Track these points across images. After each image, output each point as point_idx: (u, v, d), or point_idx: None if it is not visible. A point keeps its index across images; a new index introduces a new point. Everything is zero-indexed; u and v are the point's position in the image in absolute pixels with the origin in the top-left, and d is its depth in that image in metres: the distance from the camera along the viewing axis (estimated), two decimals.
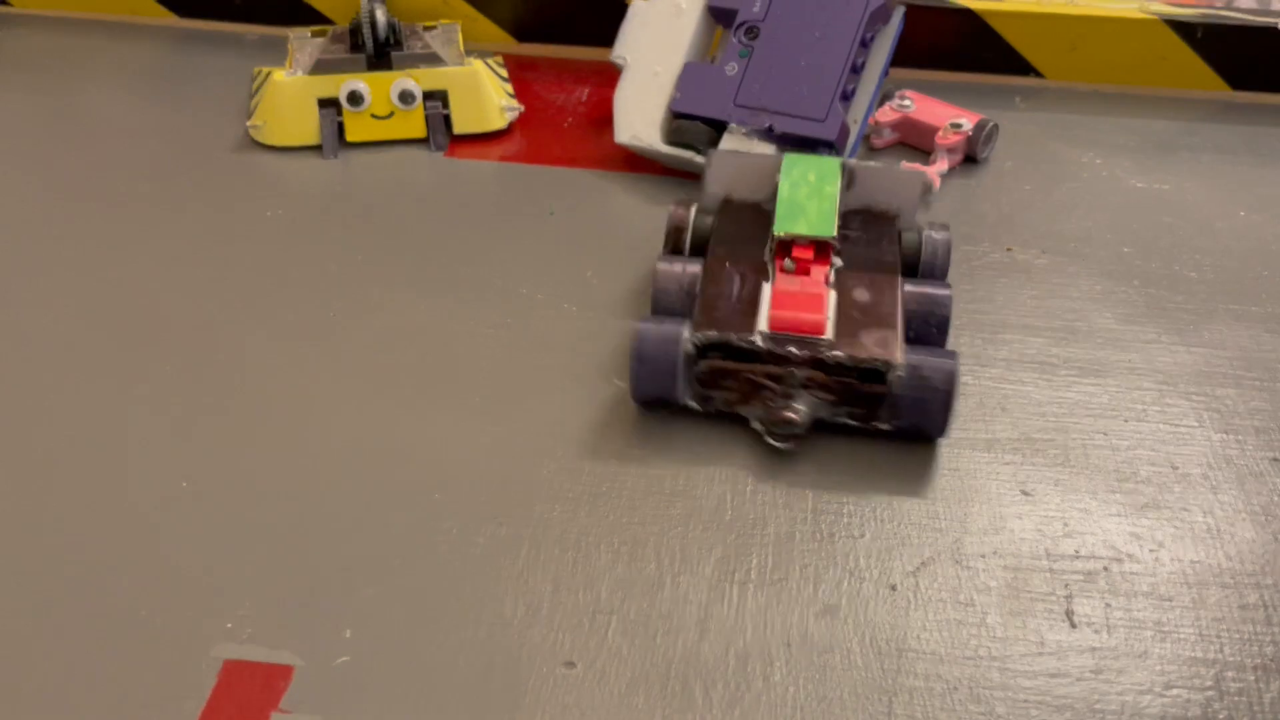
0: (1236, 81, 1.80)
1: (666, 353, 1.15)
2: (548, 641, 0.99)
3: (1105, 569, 1.06)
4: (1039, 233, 1.50)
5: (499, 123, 1.68)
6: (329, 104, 1.64)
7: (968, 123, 1.63)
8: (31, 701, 0.94)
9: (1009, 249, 1.47)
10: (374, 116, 1.65)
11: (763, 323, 1.16)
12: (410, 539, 1.08)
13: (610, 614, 1.01)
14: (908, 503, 1.12)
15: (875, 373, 1.13)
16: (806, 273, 1.22)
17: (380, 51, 1.66)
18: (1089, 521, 1.11)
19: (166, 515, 1.10)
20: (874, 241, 1.28)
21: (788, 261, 1.22)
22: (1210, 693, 0.96)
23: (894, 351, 1.13)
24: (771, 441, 1.16)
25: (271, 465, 1.15)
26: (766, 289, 1.20)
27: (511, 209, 1.54)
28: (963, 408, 1.23)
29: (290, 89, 1.64)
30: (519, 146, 1.68)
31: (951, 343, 1.31)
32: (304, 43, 1.75)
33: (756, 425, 1.17)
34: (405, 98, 1.64)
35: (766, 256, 1.24)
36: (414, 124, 1.66)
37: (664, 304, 1.23)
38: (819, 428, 1.17)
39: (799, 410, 1.14)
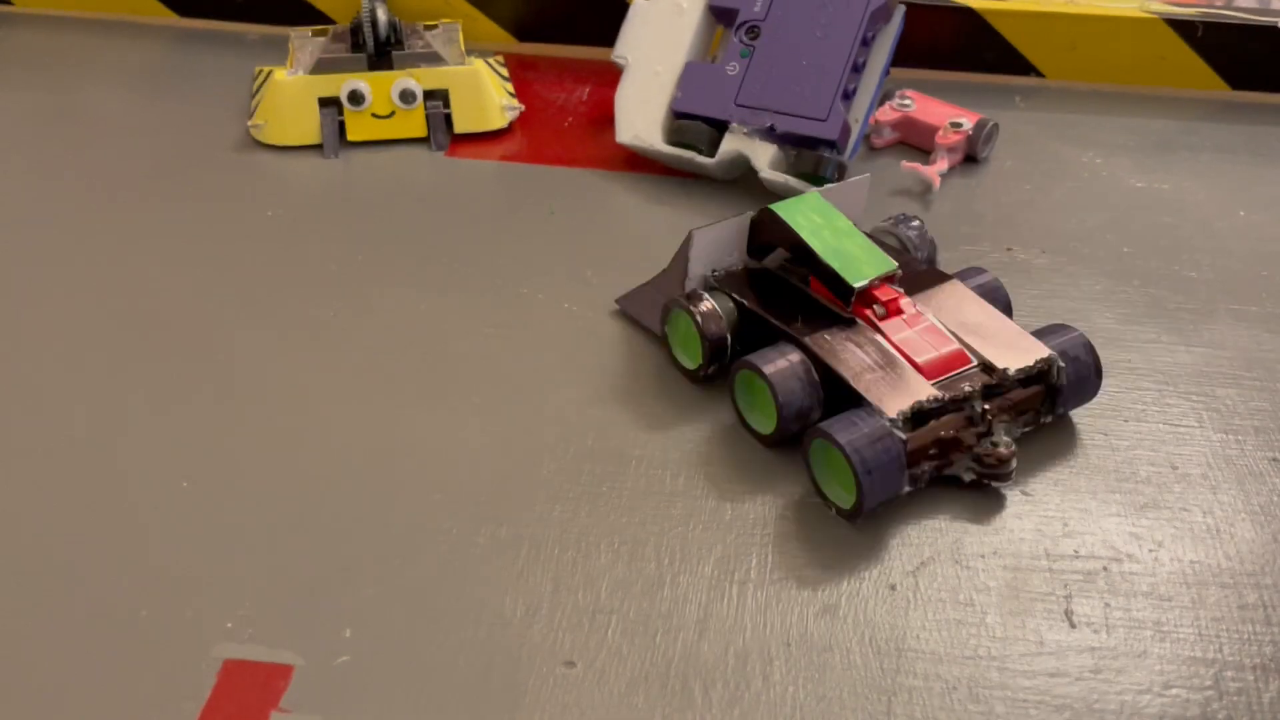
0: (1236, 81, 1.80)
1: (887, 450, 1.07)
2: (548, 641, 0.99)
3: (1105, 569, 1.07)
4: (1039, 232, 1.50)
5: (500, 122, 1.68)
6: (330, 103, 1.64)
7: (968, 122, 1.63)
8: (32, 702, 0.94)
9: (1009, 249, 1.47)
10: (375, 116, 1.65)
11: (921, 377, 1.12)
12: (410, 539, 1.08)
13: (610, 613, 1.01)
14: (907, 503, 1.12)
15: (1041, 374, 1.15)
16: (899, 311, 1.18)
17: (381, 51, 1.66)
18: (1088, 521, 1.11)
19: (166, 515, 1.10)
20: (907, 263, 1.27)
21: (877, 308, 1.18)
22: (1209, 692, 0.96)
23: (1043, 349, 1.15)
24: (996, 485, 1.13)
25: (271, 465, 1.15)
26: (884, 343, 1.16)
27: (512, 209, 1.54)
28: None
29: (291, 88, 1.64)
30: (519, 146, 1.68)
31: None
32: (305, 42, 1.75)
33: (969, 477, 1.12)
34: (406, 97, 1.64)
35: (846, 315, 1.18)
36: (415, 123, 1.66)
37: (794, 405, 1.13)
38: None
39: (1007, 442, 1.12)
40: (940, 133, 1.63)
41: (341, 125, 1.65)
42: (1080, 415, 1.22)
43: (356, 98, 1.63)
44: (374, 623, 1.00)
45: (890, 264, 1.19)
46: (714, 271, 1.27)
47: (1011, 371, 1.13)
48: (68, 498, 1.11)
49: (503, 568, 1.05)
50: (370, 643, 0.98)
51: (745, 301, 1.22)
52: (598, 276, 1.40)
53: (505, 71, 1.80)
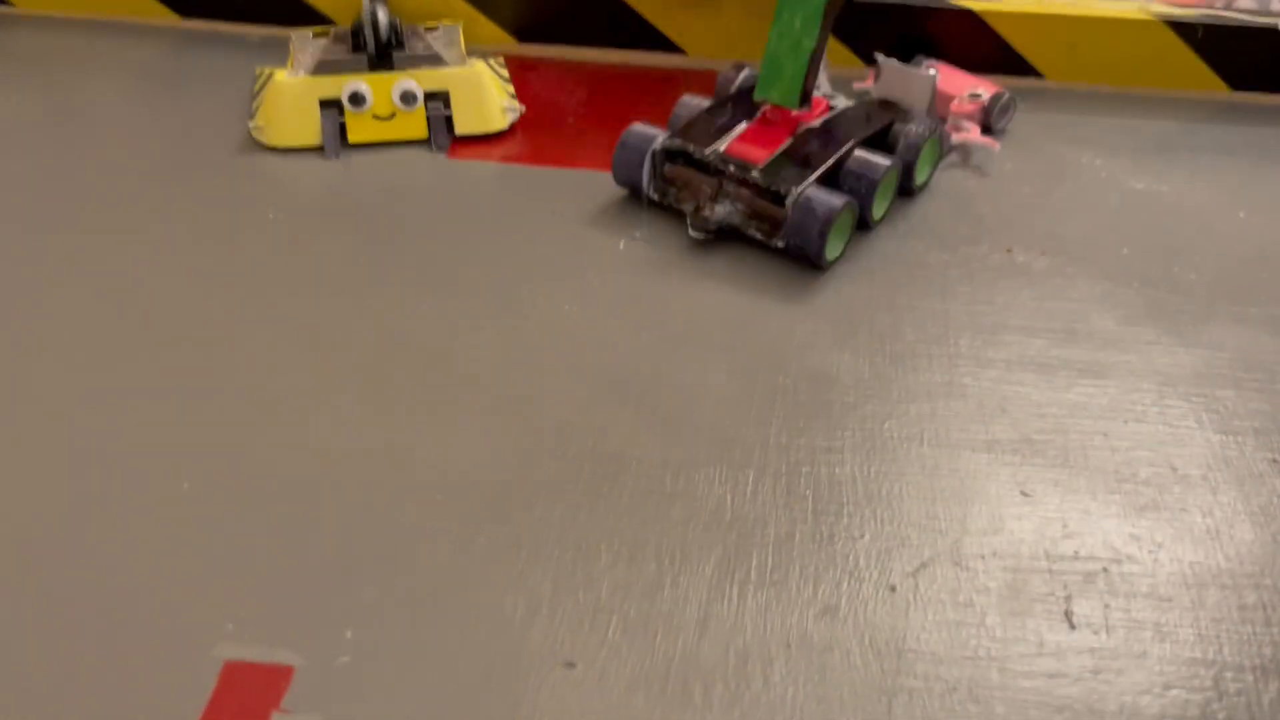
0: (1236, 82, 1.80)
1: (640, 148, 1.49)
2: (548, 641, 0.99)
3: (1104, 570, 1.07)
4: (1039, 234, 1.50)
5: (500, 124, 1.68)
6: (331, 105, 1.64)
7: (985, 93, 1.65)
8: (33, 702, 0.94)
9: (1009, 250, 1.47)
10: (376, 117, 1.65)
11: (722, 146, 1.46)
12: (411, 539, 1.08)
13: (610, 614, 1.02)
14: (907, 504, 1.13)
15: (778, 196, 1.41)
16: (777, 122, 1.50)
17: (382, 52, 1.66)
18: (1088, 522, 1.11)
19: (167, 516, 1.10)
20: (860, 118, 1.53)
21: (767, 113, 1.51)
22: (1209, 693, 0.97)
23: (794, 186, 1.40)
24: (691, 232, 1.46)
25: (272, 465, 1.15)
26: (743, 126, 1.50)
27: (513, 210, 1.54)
28: (962, 409, 1.23)
29: (292, 90, 1.64)
30: (520, 147, 1.68)
31: (950, 344, 1.31)
32: (306, 43, 1.75)
33: (688, 215, 1.47)
34: (407, 98, 1.64)
35: (758, 101, 1.51)
36: (415, 125, 1.66)
37: (674, 126, 1.55)
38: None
39: (719, 208, 1.44)
40: (956, 101, 1.64)
41: (342, 127, 1.65)
42: (1080, 417, 1.22)
43: (357, 99, 1.63)
44: (375, 623, 1.00)
45: (791, 104, 1.47)
46: None
47: (755, 173, 1.43)
48: (68, 499, 1.11)
49: (503, 568, 1.05)
50: (371, 643, 0.98)
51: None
52: (598, 277, 1.40)
53: (506, 73, 1.80)
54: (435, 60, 1.67)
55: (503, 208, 1.55)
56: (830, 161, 1.44)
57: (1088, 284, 1.42)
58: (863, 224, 1.48)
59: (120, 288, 1.38)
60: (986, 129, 1.66)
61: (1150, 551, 1.09)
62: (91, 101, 1.77)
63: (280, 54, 1.78)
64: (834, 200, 1.39)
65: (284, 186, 1.59)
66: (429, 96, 1.66)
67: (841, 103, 1.58)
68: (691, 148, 1.47)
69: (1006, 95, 1.66)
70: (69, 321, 1.33)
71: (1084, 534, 1.10)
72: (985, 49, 1.81)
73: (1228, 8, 1.79)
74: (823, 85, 1.59)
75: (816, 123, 1.51)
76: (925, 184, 1.59)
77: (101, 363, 1.28)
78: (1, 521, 1.09)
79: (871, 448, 1.19)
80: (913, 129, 1.53)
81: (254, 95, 1.74)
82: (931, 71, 1.57)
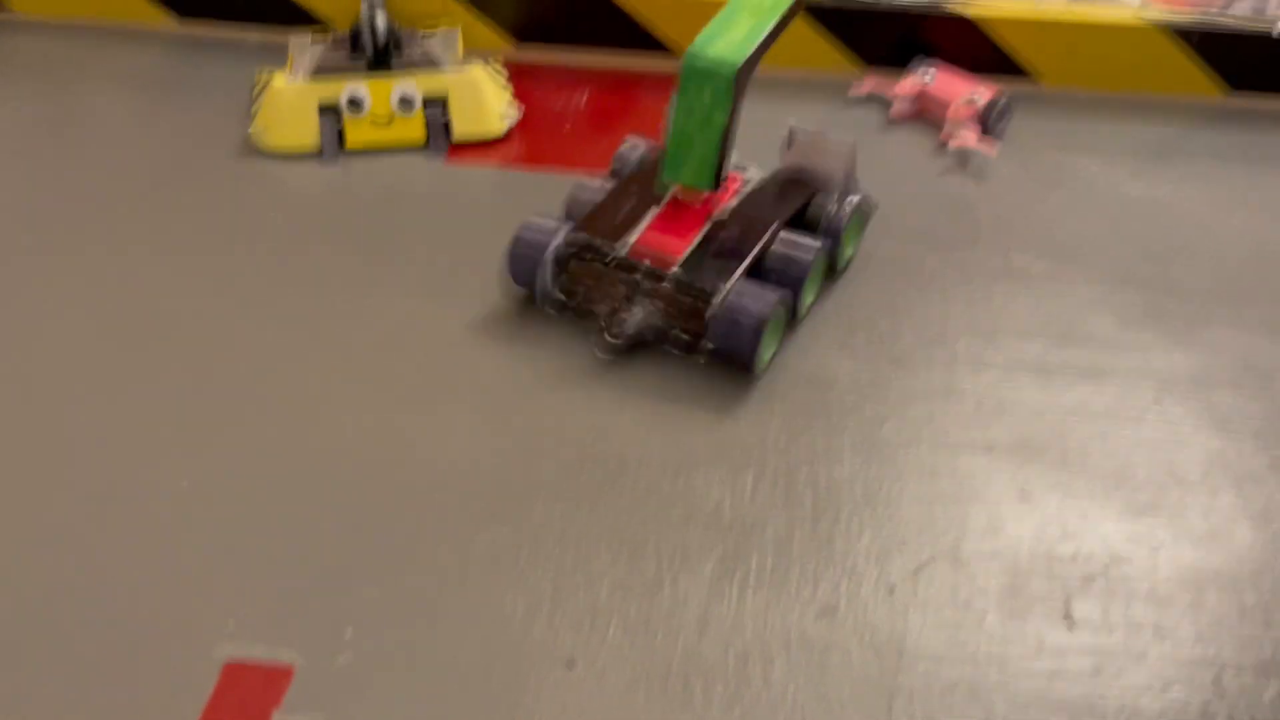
0: (1233, 86, 1.81)
1: (540, 244, 1.31)
2: (548, 641, 0.99)
3: (1104, 571, 1.07)
4: (1036, 238, 1.51)
5: (498, 128, 1.69)
6: (329, 109, 1.64)
7: (982, 97, 1.65)
8: (33, 702, 0.94)
9: (1006, 254, 1.47)
10: (374, 122, 1.65)
11: (632, 238, 1.30)
12: (411, 539, 1.08)
13: (610, 614, 1.02)
14: (907, 505, 1.13)
15: (697, 296, 1.25)
16: (689, 208, 1.33)
17: (380, 56, 1.66)
18: (1087, 524, 1.11)
19: (167, 517, 1.10)
20: (783, 194, 1.39)
21: (678, 195, 1.33)
22: (1209, 693, 0.97)
23: (719, 284, 1.25)
24: (605, 340, 1.27)
25: (272, 465, 1.15)
26: (653, 213, 1.33)
27: (511, 214, 1.54)
28: (961, 411, 1.23)
29: (290, 94, 1.64)
30: (519, 151, 1.68)
31: (948, 347, 1.32)
32: (304, 47, 1.75)
33: (601, 322, 1.29)
34: (405, 103, 1.64)
35: (662, 187, 1.34)
36: (414, 129, 1.66)
37: (573, 213, 1.37)
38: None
39: (633, 313, 1.27)
40: (953, 106, 1.65)
41: (340, 131, 1.65)
42: (1078, 419, 1.23)
43: (356, 103, 1.63)
44: (375, 623, 1.00)
45: (706, 183, 1.29)
46: None
47: (671, 272, 1.26)
48: (68, 498, 1.11)
49: (503, 568, 1.05)
50: (371, 643, 0.98)
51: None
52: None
53: (504, 77, 1.80)
54: (433, 64, 1.68)
55: (501, 212, 1.55)
56: (756, 250, 1.29)
57: (1085, 287, 1.42)
58: (792, 315, 1.33)
59: (119, 291, 1.38)
60: (984, 133, 1.67)
61: (1149, 552, 1.09)
62: (90, 106, 1.77)
63: (279, 58, 1.78)
64: (766, 296, 1.25)
65: (282, 190, 1.59)
66: (427, 101, 1.66)
67: (754, 174, 1.43)
68: (599, 242, 1.30)
69: (1004, 99, 1.67)
70: (68, 324, 1.33)
71: (1083, 535, 1.10)
72: (983, 53, 1.81)
73: (1224, 12, 1.80)
74: (731, 154, 1.39)
75: (733, 202, 1.36)
76: (853, 257, 1.44)
77: (101, 364, 1.27)
78: (2, 521, 1.09)
79: (871, 449, 1.19)
80: (835, 206, 1.38)
81: (252, 99, 1.74)
82: (849, 140, 1.43)
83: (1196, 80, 1.80)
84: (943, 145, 1.68)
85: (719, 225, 1.32)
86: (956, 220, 1.54)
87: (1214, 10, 1.79)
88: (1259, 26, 1.76)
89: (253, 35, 1.92)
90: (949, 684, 0.97)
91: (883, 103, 1.78)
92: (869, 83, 1.79)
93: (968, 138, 1.64)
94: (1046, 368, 1.30)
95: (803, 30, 1.82)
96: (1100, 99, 1.81)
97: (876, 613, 1.03)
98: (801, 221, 1.38)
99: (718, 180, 1.29)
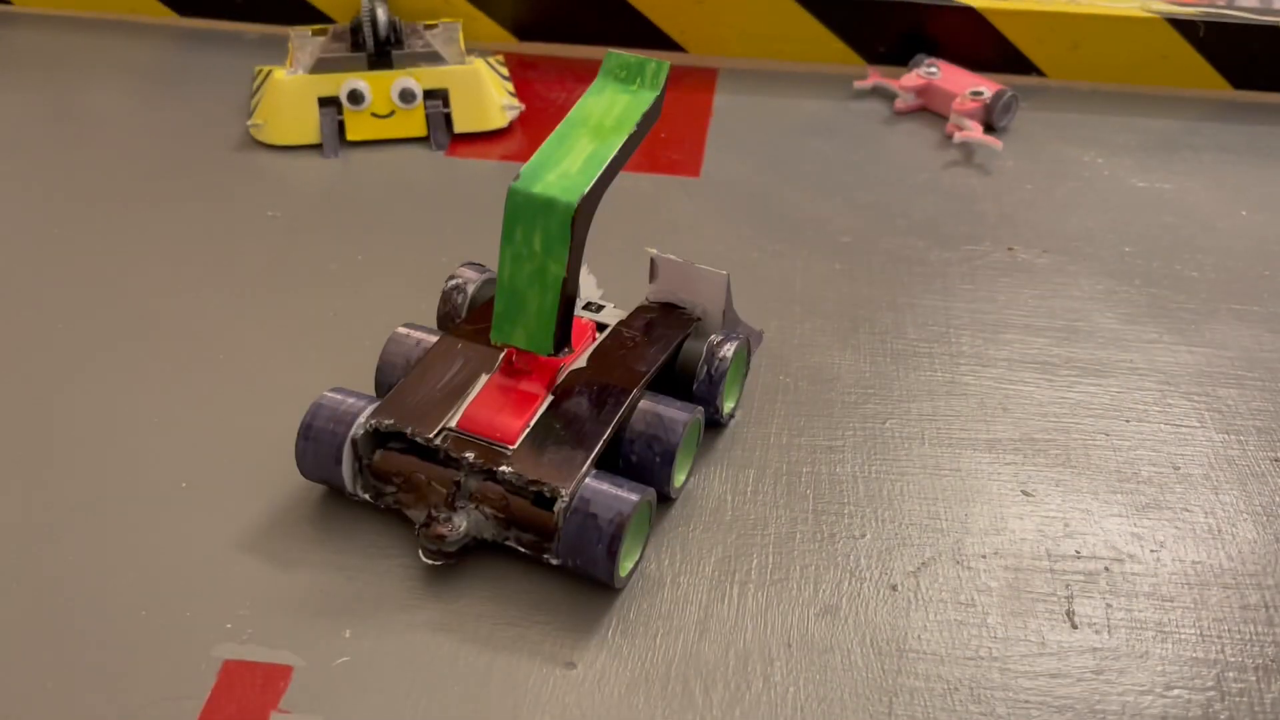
0: (1238, 80, 1.80)
1: (334, 434, 1.04)
2: (548, 641, 0.99)
3: (1106, 569, 1.06)
4: (1040, 232, 1.50)
5: (500, 121, 1.68)
6: (330, 102, 1.64)
7: (987, 91, 1.65)
8: (33, 702, 0.94)
9: (1010, 249, 1.47)
10: (374, 115, 1.65)
11: (453, 420, 1.03)
12: (411, 539, 1.07)
13: (611, 614, 1.01)
14: (909, 503, 1.12)
15: (540, 498, 0.99)
16: (528, 373, 1.07)
17: (381, 50, 1.66)
18: (1090, 522, 1.11)
19: (166, 516, 1.09)
20: (641, 341, 1.14)
21: (513, 359, 1.08)
22: (1211, 693, 0.96)
23: (566, 481, 0.98)
24: (423, 557, 1.03)
25: (272, 465, 1.15)
26: (481, 381, 1.07)
27: None
28: (964, 408, 1.23)
29: (291, 88, 1.64)
30: (520, 145, 1.67)
31: (951, 343, 1.31)
32: (305, 41, 1.75)
33: (417, 532, 1.03)
34: (406, 96, 1.64)
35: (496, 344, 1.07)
36: (415, 123, 1.66)
37: (386, 377, 1.12)
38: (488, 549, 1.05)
39: (456, 525, 1.00)
40: (958, 100, 1.64)
41: (341, 125, 1.64)
42: (1082, 415, 1.22)
43: (356, 97, 1.63)
44: (374, 623, 1.00)
45: (543, 347, 1.04)
46: None
47: (507, 470, 0.99)
48: (68, 499, 1.11)
49: (504, 567, 1.05)
50: (370, 643, 0.98)
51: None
52: (596, 275, 1.40)
53: (505, 71, 1.79)
54: (434, 58, 1.67)
55: (502, 206, 1.55)
56: (609, 432, 1.03)
57: (1089, 282, 1.41)
58: (661, 498, 1.10)
59: (117, 284, 1.38)
60: (989, 127, 1.66)
61: (1152, 551, 1.08)
62: (91, 99, 1.77)
63: (279, 52, 1.78)
64: (623, 498, 0.98)
65: (282, 184, 1.58)
66: (428, 94, 1.65)
67: (610, 314, 1.20)
68: (410, 428, 1.02)
69: (1009, 93, 1.66)
70: (66, 318, 1.33)
71: (1086, 533, 1.10)
72: (987, 47, 1.81)
73: (1230, 6, 1.79)
74: (582, 286, 1.15)
75: (582, 361, 1.10)
76: (737, 405, 1.22)
77: (98, 360, 1.27)
78: (1, 520, 1.09)
79: (873, 447, 1.18)
80: (712, 353, 1.14)
81: (253, 93, 1.73)
82: (722, 271, 1.18)
83: (1202, 74, 1.79)
84: (947, 138, 1.67)
85: (564, 393, 1.07)
86: (960, 214, 1.53)
87: (1220, 3, 1.78)
88: (1265, 20, 1.76)
89: (253, 29, 1.92)
90: (951, 684, 0.96)
91: (887, 96, 1.77)
92: (874, 76, 1.79)
93: (973, 131, 1.64)
94: (1050, 364, 1.29)
95: (808, 25, 1.82)
96: (1105, 93, 1.81)
97: (878, 612, 1.02)
98: (671, 374, 1.15)
99: (558, 344, 1.04)
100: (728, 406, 1.19)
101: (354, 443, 1.04)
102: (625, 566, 1.02)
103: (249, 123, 1.66)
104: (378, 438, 1.04)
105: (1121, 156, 1.66)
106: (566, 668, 0.97)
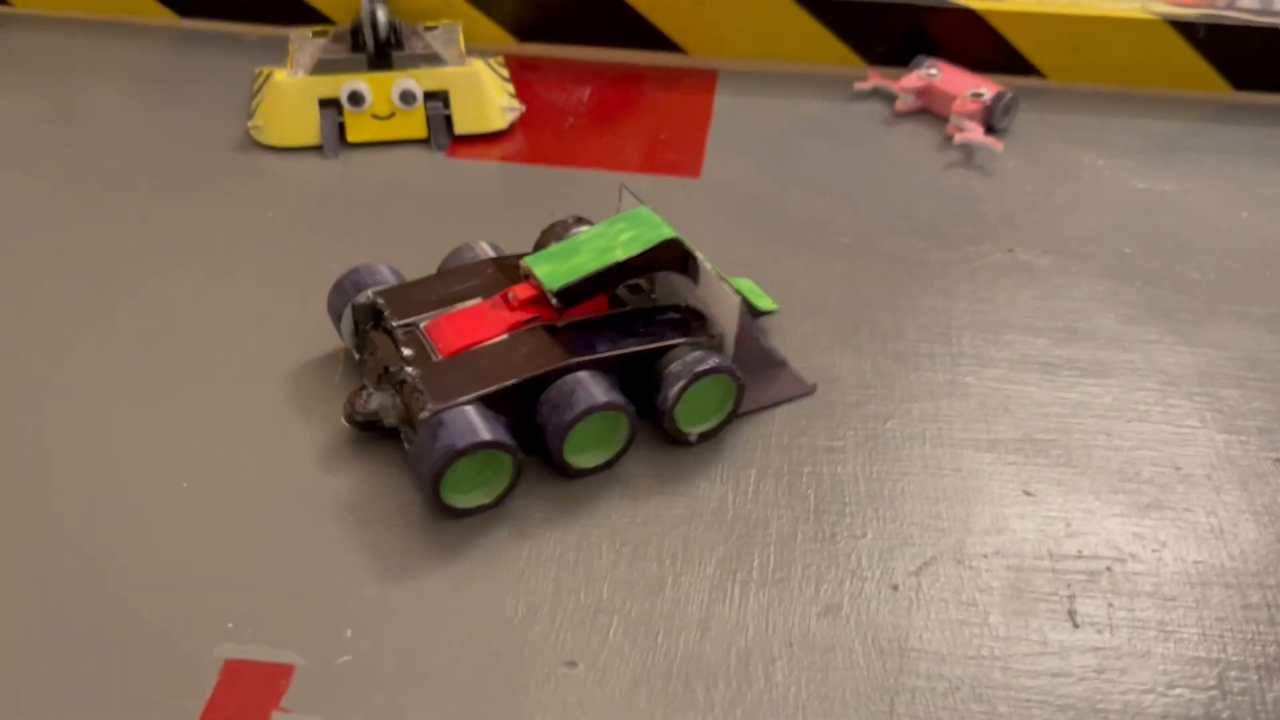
0: (1239, 82, 1.80)
1: (345, 294, 1.22)
2: (549, 641, 0.99)
3: (1108, 569, 1.06)
4: (1041, 233, 1.50)
5: (500, 123, 1.68)
6: (330, 104, 1.64)
7: (987, 92, 1.65)
8: (34, 702, 0.94)
9: (1011, 249, 1.47)
10: (375, 117, 1.65)
11: (426, 321, 1.17)
12: (411, 538, 1.07)
13: (612, 614, 1.01)
14: (910, 503, 1.12)
15: (420, 407, 1.08)
16: (510, 309, 1.17)
17: (381, 51, 1.66)
18: (1092, 521, 1.11)
19: (167, 516, 1.09)
20: (636, 330, 1.18)
21: (510, 294, 1.18)
22: (1213, 692, 0.96)
23: (442, 398, 1.08)
24: (343, 419, 1.16)
25: (272, 464, 1.15)
26: (473, 303, 1.19)
27: (513, 209, 1.54)
28: (965, 408, 1.23)
29: (291, 89, 1.64)
30: (520, 147, 1.67)
31: (952, 343, 1.31)
32: (305, 43, 1.75)
33: (348, 395, 1.16)
34: (406, 98, 1.64)
35: (511, 279, 1.21)
36: (415, 124, 1.66)
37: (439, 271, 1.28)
38: None
39: (366, 398, 1.13)
40: (958, 101, 1.64)
41: (341, 126, 1.64)
42: (1083, 416, 1.22)
43: (356, 99, 1.63)
44: (375, 622, 1.00)
45: (551, 284, 1.15)
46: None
47: (412, 372, 1.11)
48: (68, 498, 1.11)
49: (504, 567, 1.05)
50: (371, 642, 0.98)
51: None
52: None
53: (505, 72, 1.79)
54: (434, 59, 1.67)
55: (502, 207, 1.55)
56: (520, 378, 1.10)
57: (1090, 283, 1.41)
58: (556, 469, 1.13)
59: (118, 286, 1.38)
60: (989, 128, 1.66)
61: (1154, 551, 1.08)
62: (90, 101, 1.77)
63: (279, 53, 1.78)
64: (473, 430, 1.05)
65: (283, 186, 1.58)
66: (428, 96, 1.65)
67: (640, 302, 1.23)
68: (387, 311, 1.18)
69: (1009, 95, 1.66)
70: (66, 319, 1.33)
71: (1087, 533, 1.10)
72: (987, 48, 1.81)
73: (1230, 7, 1.79)
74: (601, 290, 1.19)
75: (560, 322, 1.16)
76: (713, 433, 1.18)
77: (99, 360, 1.27)
78: (1, 520, 1.09)
79: (874, 447, 1.18)
80: (682, 366, 1.13)
81: (253, 94, 1.73)
82: (736, 298, 1.17)
83: (1203, 75, 1.79)
84: (948, 140, 1.67)
85: (521, 338, 1.14)
86: (961, 215, 1.53)
87: (1220, 4, 1.79)
88: (1266, 21, 1.76)
89: (253, 31, 1.92)
90: (952, 683, 0.96)
91: (887, 97, 1.77)
92: (874, 77, 1.79)
93: (973, 132, 1.64)
94: (1051, 364, 1.29)
95: (808, 26, 1.82)
96: (1106, 94, 1.81)
97: (879, 612, 1.02)
98: (649, 371, 1.16)
99: (565, 295, 1.15)
100: (688, 428, 1.17)
101: (353, 306, 1.21)
102: (459, 500, 1.08)
103: (249, 124, 1.66)
104: (374, 310, 1.20)
105: (1122, 158, 1.66)
106: (568, 667, 0.97)
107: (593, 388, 1.10)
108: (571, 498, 1.12)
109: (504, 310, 1.17)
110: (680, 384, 1.13)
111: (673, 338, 1.17)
